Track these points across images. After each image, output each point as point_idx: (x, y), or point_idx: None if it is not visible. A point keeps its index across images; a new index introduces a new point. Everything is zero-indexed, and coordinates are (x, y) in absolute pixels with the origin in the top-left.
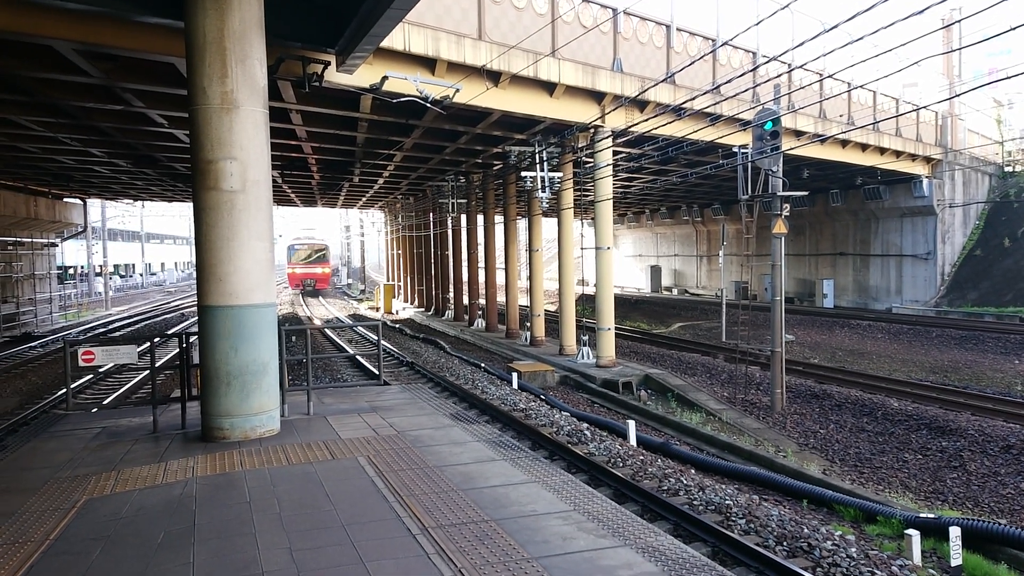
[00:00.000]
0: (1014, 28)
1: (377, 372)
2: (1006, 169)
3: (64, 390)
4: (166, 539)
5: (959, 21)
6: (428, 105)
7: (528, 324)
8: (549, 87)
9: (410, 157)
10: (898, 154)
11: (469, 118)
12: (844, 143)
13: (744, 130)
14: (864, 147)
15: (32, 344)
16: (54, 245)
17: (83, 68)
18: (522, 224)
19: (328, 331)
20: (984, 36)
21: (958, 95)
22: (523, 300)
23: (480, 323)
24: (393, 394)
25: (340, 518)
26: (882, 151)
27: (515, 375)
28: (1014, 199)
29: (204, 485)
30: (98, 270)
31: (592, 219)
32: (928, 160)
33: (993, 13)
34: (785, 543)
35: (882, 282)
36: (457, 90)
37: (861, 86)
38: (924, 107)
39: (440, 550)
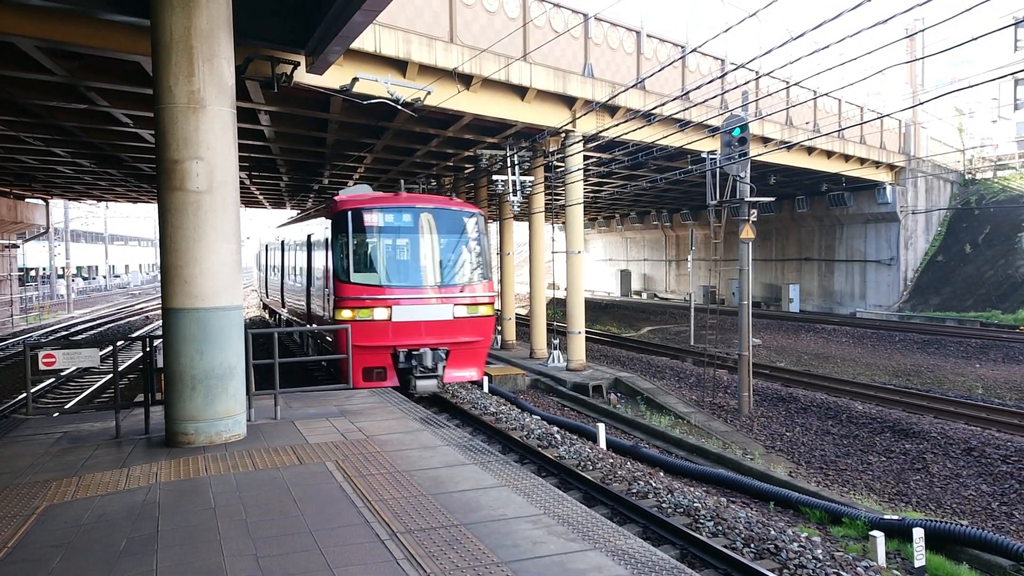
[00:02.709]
0: (975, 38)
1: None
2: (967, 177)
3: (24, 394)
4: (129, 546)
5: (922, 31)
6: (399, 107)
7: (499, 328)
8: (521, 91)
9: (381, 159)
10: (862, 161)
11: (440, 121)
12: (810, 150)
13: (713, 136)
14: (829, 154)
15: None
16: (16, 246)
17: (47, 66)
18: (493, 228)
19: (296, 334)
20: (946, 46)
21: (921, 103)
22: None
23: None
24: (362, 398)
25: (307, 524)
26: (847, 158)
27: (485, 379)
28: (975, 206)
29: (168, 491)
30: (60, 272)
31: (563, 223)
32: (891, 167)
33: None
34: (753, 545)
35: (846, 287)
36: (428, 92)
37: (826, 94)
38: (888, 115)
39: (409, 555)
